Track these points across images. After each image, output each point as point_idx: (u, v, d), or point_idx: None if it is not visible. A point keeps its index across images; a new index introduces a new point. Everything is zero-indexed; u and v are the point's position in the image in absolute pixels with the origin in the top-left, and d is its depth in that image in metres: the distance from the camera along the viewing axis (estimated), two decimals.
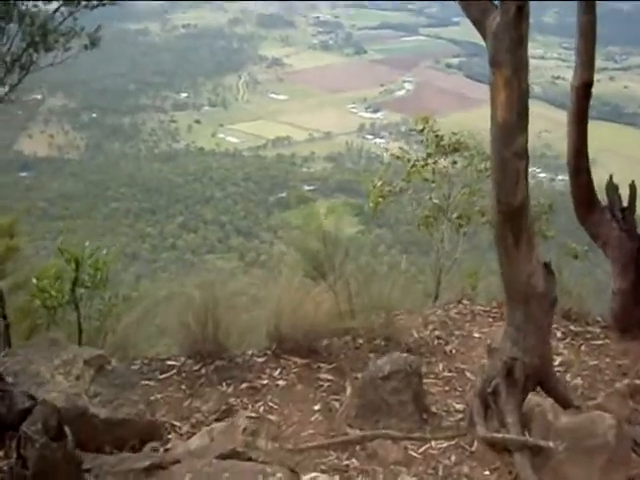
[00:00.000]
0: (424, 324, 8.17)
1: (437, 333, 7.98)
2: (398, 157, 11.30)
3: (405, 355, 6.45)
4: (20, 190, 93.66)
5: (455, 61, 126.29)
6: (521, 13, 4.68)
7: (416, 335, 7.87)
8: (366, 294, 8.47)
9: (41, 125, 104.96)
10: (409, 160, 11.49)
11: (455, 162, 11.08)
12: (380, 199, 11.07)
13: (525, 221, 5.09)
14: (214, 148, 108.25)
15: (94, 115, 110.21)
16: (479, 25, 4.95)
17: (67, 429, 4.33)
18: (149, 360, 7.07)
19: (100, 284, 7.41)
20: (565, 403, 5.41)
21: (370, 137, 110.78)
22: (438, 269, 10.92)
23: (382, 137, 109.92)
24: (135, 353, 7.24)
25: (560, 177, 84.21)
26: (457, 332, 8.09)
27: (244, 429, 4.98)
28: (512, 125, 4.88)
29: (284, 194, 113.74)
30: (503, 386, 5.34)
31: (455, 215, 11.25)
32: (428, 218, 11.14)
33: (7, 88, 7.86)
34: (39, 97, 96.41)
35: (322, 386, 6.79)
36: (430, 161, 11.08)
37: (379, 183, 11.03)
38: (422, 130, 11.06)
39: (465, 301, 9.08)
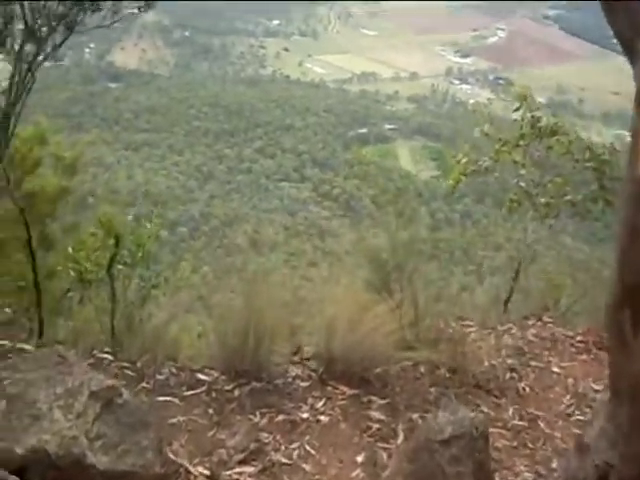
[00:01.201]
0: (496, 348, 6.93)
1: (510, 362, 6.75)
2: (487, 134, 9.99)
3: (472, 415, 5.28)
4: (108, 100, 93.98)
5: (552, 13, 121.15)
6: None
7: (487, 363, 6.67)
8: (435, 301, 7.33)
9: (134, 39, 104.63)
10: (500, 139, 10.17)
11: (551, 147, 9.71)
12: (462, 177, 9.81)
13: None
14: (299, 77, 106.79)
15: (186, 33, 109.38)
16: (627, 43, 3.60)
17: None
18: (178, 369, 6.04)
19: (140, 262, 6.35)
20: None
21: (456, 82, 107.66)
22: (517, 262, 9.64)
23: (469, 83, 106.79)
24: (165, 354, 6.21)
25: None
26: (533, 363, 6.85)
27: None
28: None
29: (364, 130, 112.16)
30: None
31: (543, 200, 9.91)
32: (513, 202, 9.85)
33: (49, 48, 6.93)
34: (135, 11, 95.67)
35: (370, 428, 5.69)
36: (522, 142, 9.76)
37: (464, 160, 9.73)
38: (518, 108, 9.72)
39: (546, 318, 7.80)
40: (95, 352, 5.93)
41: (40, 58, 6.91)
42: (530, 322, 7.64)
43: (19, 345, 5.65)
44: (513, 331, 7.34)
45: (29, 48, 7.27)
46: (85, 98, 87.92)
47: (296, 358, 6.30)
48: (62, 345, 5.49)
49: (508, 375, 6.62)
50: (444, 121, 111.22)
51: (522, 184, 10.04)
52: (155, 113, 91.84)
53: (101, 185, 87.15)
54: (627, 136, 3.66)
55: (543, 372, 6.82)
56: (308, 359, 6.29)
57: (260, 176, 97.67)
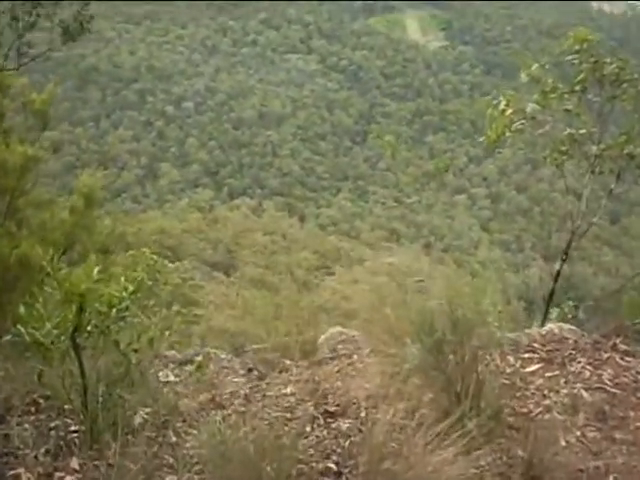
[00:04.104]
0: (572, 410, 4.70)
1: (591, 436, 4.60)
2: (538, 82, 7.55)
3: None
4: None
5: None
6: None
7: (564, 443, 4.48)
8: None
9: None
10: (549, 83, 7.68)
11: (614, 97, 7.33)
12: (508, 132, 7.31)
13: None
14: None
15: None
16: None
17: None
18: None
19: (113, 328, 3.72)
20: None
21: None
22: (570, 233, 7.20)
23: None
24: None
25: None
26: (618, 435, 4.65)
27: None
28: None
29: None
30: None
31: (595, 149, 7.44)
32: (561, 154, 7.43)
33: None
34: None
35: None
36: (578, 88, 7.34)
37: (508, 110, 7.20)
38: (578, 52, 7.30)
39: (620, 344, 5.42)
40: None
41: None
42: (605, 354, 5.29)
43: None
44: (587, 374, 5.05)
45: None
46: None
47: None
48: None
49: (592, 464, 4.47)
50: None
51: (573, 131, 7.60)
52: None
53: (103, 60, 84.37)
54: None
55: (632, 452, 4.67)
56: None
57: (266, 48, 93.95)
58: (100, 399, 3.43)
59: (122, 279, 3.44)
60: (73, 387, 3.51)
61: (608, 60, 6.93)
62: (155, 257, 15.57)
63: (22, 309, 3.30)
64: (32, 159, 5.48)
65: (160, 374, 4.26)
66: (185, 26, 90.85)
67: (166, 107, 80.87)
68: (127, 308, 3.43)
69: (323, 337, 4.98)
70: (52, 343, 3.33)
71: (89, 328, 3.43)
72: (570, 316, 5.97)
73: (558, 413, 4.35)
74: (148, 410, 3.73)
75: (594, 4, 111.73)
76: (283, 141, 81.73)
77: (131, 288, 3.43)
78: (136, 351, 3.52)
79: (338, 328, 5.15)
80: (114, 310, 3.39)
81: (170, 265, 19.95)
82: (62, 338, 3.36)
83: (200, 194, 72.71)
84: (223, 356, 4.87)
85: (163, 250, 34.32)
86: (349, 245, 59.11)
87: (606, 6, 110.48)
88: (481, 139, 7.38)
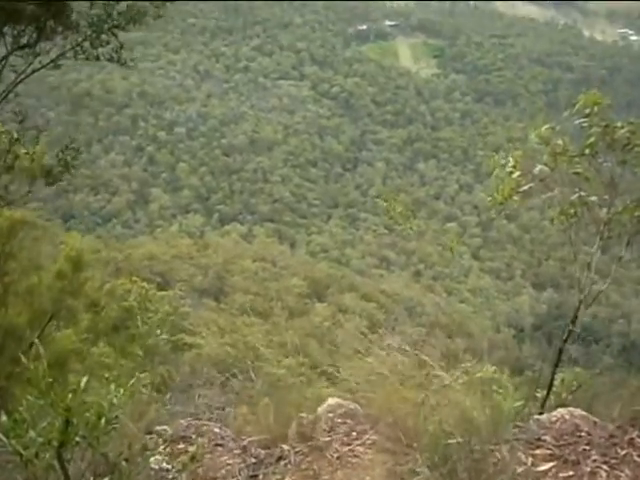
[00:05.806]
0: None
1: None
2: (547, 143, 7.27)
3: None
4: None
5: None
6: None
7: None
8: None
9: None
10: (560, 146, 7.38)
11: (624, 162, 7.10)
12: (515, 197, 6.95)
13: None
14: None
15: None
16: None
17: None
18: None
19: (103, 438, 3.37)
20: None
21: None
22: (577, 301, 6.63)
23: None
24: None
25: None
26: None
27: None
28: None
29: (364, 27, 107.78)
30: None
31: (604, 214, 7.05)
32: (569, 216, 7.06)
33: None
34: None
35: None
36: (588, 151, 7.09)
37: (516, 173, 6.81)
38: (588, 115, 7.06)
39: (637, 438, 4.65)
40: None
41: None
42: (621, 451, 4.50)
43: None
44: (603, 474, 4.30)
45: None
46: None
47: None
48: None
49: None
50: (445, 18, 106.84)
51: (583, 193, 7.32)
52: None
53: (96, 85, 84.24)
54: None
55: None
56: None
57: (258, 74, 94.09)
58: None
59: (112, 386, 3.19)
60: None
61: (619, 124, 6.68)
62: (146, 285, 15.40)
63: (4, 417, 3.06)
64: (20, 222, 5.24)
65: (151, 460, 4.01)
66: (177, 51, 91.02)
67: (158, 132, 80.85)
68: (117, 417, 3.18)
69: (321, 409, 4.76)
70: (36, 456, 3.05)
71: (77, 439, 3.15)
72: (575, 384, 5.75)
73: None
74: None
75: (586, 33, 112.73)
76: (274, 167, 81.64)
77: (122, 393, 3.20)
78: (127, 461, 3.26)
79: (337, 400, 4.94)
80: (103, 420, 3.14)
81: (161, 292, 19.73)
82: (47, 449, 3.10)
83: (191, 220, 72.76)
84: (217, 430, 4.65)
85: (153, 276, 34.42)
86: (339, 272, 59.06)
87: (598, 35, 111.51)
88: (488, 199, 7.11)
